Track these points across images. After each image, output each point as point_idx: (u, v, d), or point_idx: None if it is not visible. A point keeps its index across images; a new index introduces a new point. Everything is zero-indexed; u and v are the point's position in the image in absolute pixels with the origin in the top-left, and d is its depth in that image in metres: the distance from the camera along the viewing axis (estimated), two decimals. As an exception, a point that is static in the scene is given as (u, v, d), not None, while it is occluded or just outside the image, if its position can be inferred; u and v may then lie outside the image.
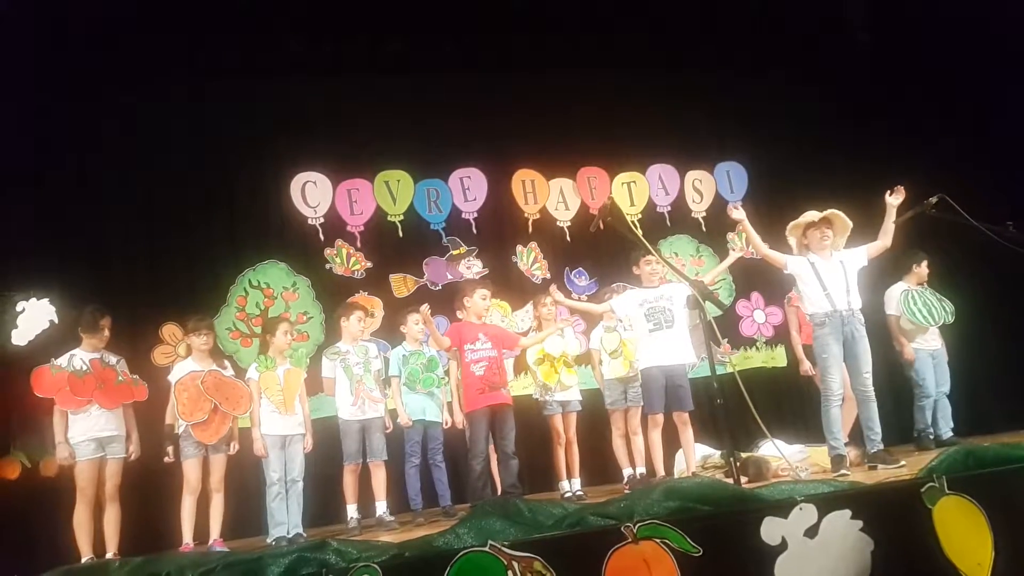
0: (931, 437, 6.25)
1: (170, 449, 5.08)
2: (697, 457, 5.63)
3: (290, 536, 4.99)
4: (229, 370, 5.33)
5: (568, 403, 5.85)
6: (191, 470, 4.98)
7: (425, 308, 5.33)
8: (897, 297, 6.42)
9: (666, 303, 5.49)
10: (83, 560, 4.72)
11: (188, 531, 4.96)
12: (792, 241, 5.24)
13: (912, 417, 6.40)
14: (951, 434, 6.29)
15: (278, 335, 5.33)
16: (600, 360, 5.97)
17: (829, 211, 5.12)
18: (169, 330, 6.24)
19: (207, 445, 5.02)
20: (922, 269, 6.50)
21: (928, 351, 6.40)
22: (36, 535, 5.26)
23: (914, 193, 5.21)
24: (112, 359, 5.12)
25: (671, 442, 5.66)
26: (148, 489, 5.37)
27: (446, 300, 6.45)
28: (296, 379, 5.33)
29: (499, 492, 5.28)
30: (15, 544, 5.21)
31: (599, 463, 6.32)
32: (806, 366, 6.26)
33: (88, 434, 4.87)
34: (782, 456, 4.95)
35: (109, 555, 4.82)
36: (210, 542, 4.98)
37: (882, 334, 6.24)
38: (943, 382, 6.42)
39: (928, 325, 6.37)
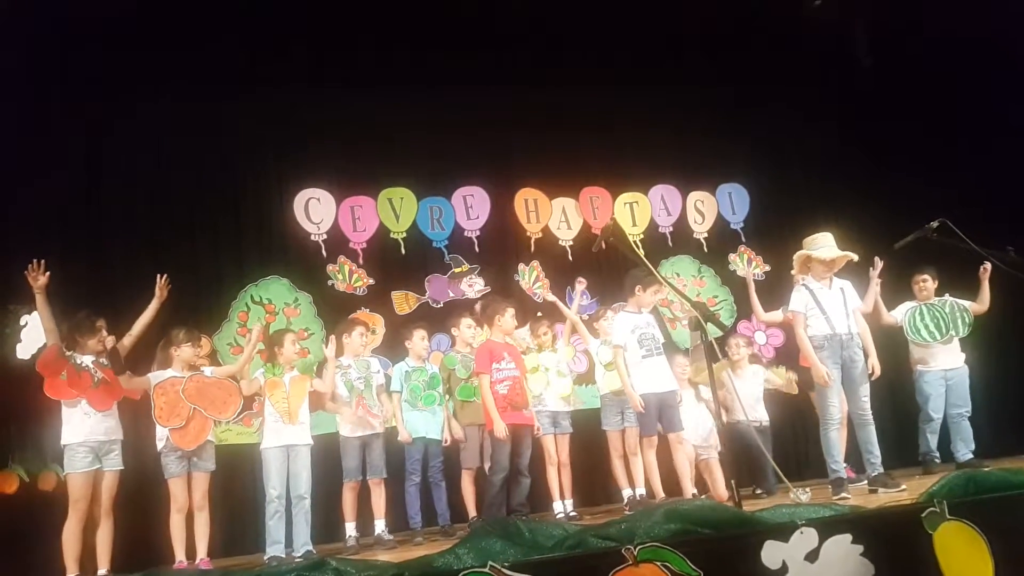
0: (936, 461, 6.04)
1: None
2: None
3: (302, 553, 4.88)
4: (210, 370, 5.19)
5: (559, 424, 5.82)
6: (177, 488, 4.87)
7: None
8: (903, 315, 6.15)
9: (652, 330, 5.43)
10: None
11: (180, 549, 4.86)
12: (795, 264, 5.26)
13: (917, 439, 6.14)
14: (970, 455, 5.91)
15: (286, 345, 5.21)
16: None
17: (843, 254, 5.09)
18: (170, 344, 6.22)
19: (189, 460, 4.89)
20: (927, 285, 6.17)
21: (939, 371, 6.07)
22: (34, 550, 5.19)
23: (916, 217, 5.23)
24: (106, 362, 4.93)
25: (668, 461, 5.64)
26: (137, 503, 5.26)
27: (447, 318, 6.44)
28: (302, 387, 5.19)
29: (508, 510, 5.24)
30: (13, 559, 5.17)
31: (598, 484, 6.29)
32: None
33: (84, 438, 4.63)
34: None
35: (102, 572, 4.70)
36: (196, 561, 4.85)
37: (884, 356, 6.18)
38: (959, 403, 6.03)
39: (931, 342, 6.06)
